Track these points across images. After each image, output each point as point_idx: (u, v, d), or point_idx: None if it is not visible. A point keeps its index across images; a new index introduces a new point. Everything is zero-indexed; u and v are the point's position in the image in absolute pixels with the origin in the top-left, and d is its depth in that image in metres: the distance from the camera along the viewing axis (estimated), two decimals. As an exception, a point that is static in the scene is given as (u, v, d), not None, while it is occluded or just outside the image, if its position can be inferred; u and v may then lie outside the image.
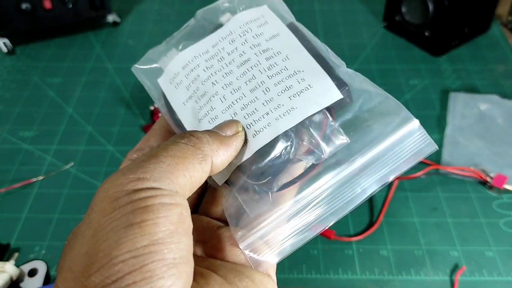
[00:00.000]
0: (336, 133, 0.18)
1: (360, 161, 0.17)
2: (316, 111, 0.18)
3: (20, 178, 0.42)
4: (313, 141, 0.18)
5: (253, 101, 0.18)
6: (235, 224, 0.17)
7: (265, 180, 0.17)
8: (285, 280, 0.35)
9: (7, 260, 0.35)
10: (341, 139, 0.18)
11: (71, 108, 0.51)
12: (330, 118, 0.18)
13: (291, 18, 0.22)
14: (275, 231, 0.18)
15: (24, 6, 0.56)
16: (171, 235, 0.13)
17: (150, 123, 0.48)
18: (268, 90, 0.19)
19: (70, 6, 0.58)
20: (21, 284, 0.34)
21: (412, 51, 0.58)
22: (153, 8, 0.67)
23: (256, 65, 0.19)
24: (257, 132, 0.18)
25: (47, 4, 0.57)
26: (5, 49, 0.57)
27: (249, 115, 0.18)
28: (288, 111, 0.18)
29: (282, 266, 0.36)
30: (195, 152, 0.15)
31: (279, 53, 0.20)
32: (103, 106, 0.51)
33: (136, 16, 0.66)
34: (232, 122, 0.18)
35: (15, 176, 0.43)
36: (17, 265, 0.35)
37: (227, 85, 0.19)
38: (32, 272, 0.35)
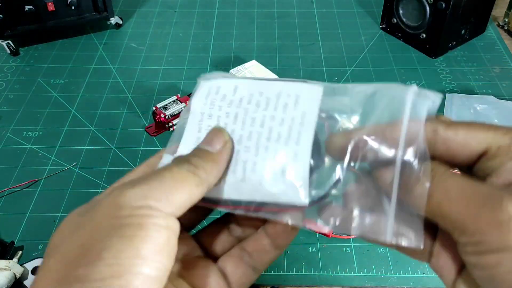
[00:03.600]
0: None
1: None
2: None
3: (24, 178, 0.43)
4: None
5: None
6: None
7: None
8: (284, 278, 0.36)
9: (11, 258, 0.36)
10: None
11: (74, 109, 0.51)
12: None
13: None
14: None
15: (27, 8, 0.56)
16: (154, 254, 0.15)
17: (152, 123, 0.49)
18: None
19: (73, 8, 0.59)
20: (25, 282, 0.35)
21: (409, 52, 0.59)
22: (155, 11, 0.68)
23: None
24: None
25: (51, 6, 0.57)
26: (8, 51, 0.58)
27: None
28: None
29: (281, 264, 0.37)
30: (194, 178, 0.17)
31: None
32: (105, 107, 0.52)
33: (138, 19, 0.66)
34: (218, 132, 0.19)
35: (19, 175, 0.43)
36: (21, 263, 0.35)
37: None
38: (36, 270, 0.35)
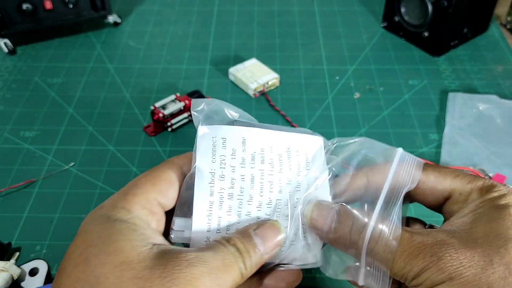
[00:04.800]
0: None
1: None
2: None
3: (21, 178, 0.42)
4: None
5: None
6: None
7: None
8: (284, 279, 0.35)
9: (8, 259, 0.36)
10: None
11: (72, 108, 0.51)
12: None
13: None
14: None
15: (25, 6, 0.56)
16: None
17: (150, 123, 0.48)
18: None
19: (71, 6, 0.58)
20: (22, 284, 0.34)
21: (411, 51, 0.59)
22: (154, 9, 0.67)
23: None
24: None
25: (48, 5, 0.57)
26: (6, 50, 0.58)
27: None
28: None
29: (282, 265, 0.36)
30: (240, 279, 0.18)
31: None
32: (103, 106, 0.51)
33: (136, 17, 0.66)
34: (277, 233, 0.19)
35: (16, 175, 0.43)
36: (18, 264, 0.35)
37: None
38: (33, 272, 0.35)
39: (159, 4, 0.68)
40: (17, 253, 0.36)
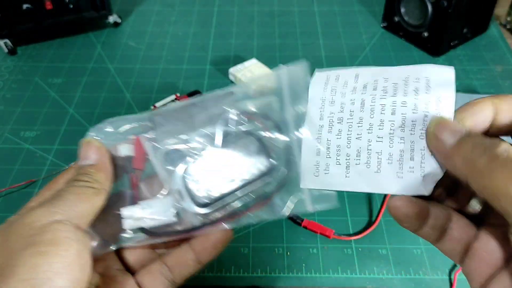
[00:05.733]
0: None
1: None
2: None
3: (21, 178, 0.42)
4: None
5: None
6: None
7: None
8: (285, 279, 0.35)
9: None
10: None
11: (72, 108, 0.51)
12: None
13: None
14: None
15: (25, 6, 0.56)
16: (66, 267, 0.16)
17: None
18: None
19: (71, 6, 0.58)
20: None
21: (411, 51, 0.59)
22: (154, 9, 0.68)
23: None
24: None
25: (48, 5, 0.57)
26: (6, 50, 0.58)
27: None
28: None
29: (282, 265, 0.36)
30: (90, 190, 0.19)
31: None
32: (104, 107, 0.51)
33: (136, 17, 0.66)
34: (88, 144, 0.22)
35: (16, 175, 0.43)
36: (19, 264, 0.35)
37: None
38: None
39: (159, 4, 0.68)
40: (18, 253, 0.36)
